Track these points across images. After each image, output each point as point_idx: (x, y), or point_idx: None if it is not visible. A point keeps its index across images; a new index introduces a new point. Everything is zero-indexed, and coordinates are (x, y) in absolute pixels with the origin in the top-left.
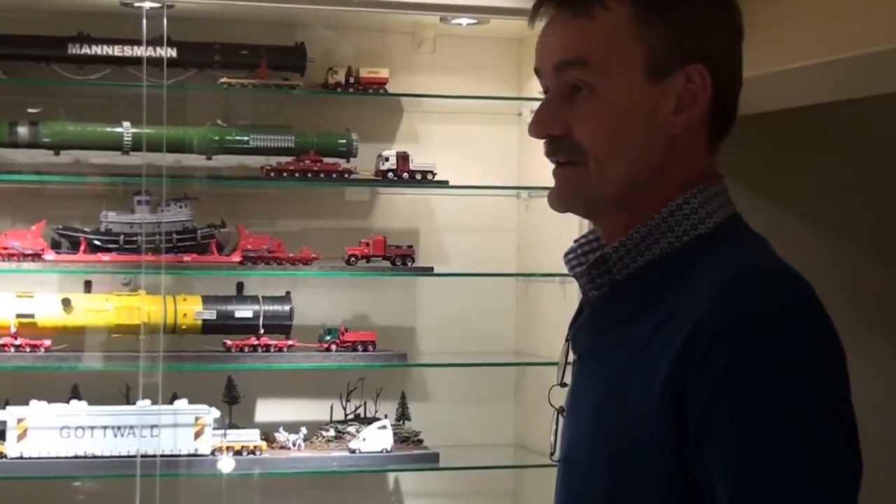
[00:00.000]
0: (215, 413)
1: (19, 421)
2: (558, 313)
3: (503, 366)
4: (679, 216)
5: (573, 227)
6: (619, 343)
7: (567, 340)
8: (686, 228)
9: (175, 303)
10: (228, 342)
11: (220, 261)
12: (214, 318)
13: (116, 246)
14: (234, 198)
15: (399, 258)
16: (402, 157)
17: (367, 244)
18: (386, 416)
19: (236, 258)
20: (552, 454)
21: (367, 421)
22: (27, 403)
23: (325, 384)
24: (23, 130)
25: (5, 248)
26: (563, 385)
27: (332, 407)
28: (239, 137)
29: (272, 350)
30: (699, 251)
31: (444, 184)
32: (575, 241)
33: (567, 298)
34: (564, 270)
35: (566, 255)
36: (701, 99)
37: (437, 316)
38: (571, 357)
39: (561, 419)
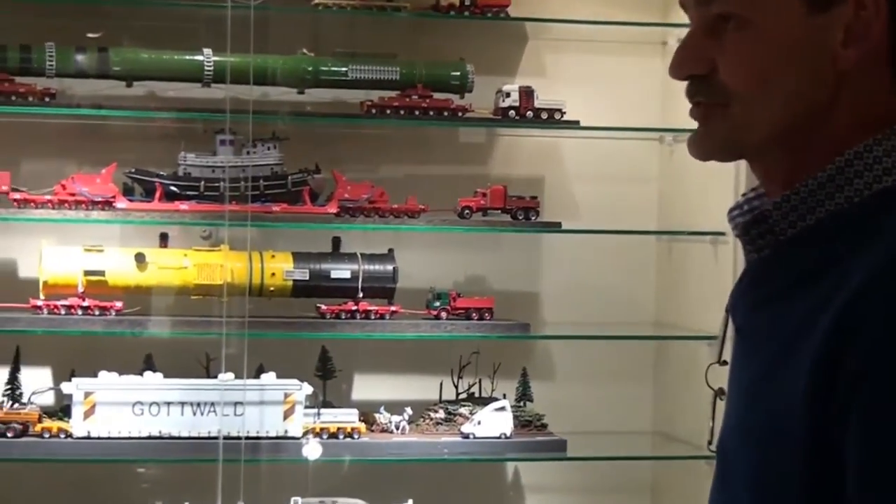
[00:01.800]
0: (307, 389)
1: (87, 395)
2: (708, 279)
3: (641, 339)
4: (859, 166)
5: (727, 176)
6: (778, 316)
7: (727, 311)
8: (868, 181)
9: (262, 260)
10: (323, 307)
11: (313, 212)
12: (307, 278)
13: (196, 193)
14: (329, 139)
15: (521, 211)
16: (526, 93)
17: (484, 195)
18: (504, 397)
19: (332, 209)
20: (709, 443)
21: (483, 401)
22: (95, 375)
23: (434, 358)
24: (90, 58)
25: (72, 195)
26: (722, 363)
27: (441, 384)
28: (335, 68)
29: (372, 317)
30: (882, 208)
31: (574, 124)
32: (743, 195)
33: (719, 261)
34: (715, 227)
35: (730, 211)
36: (875, 28)
37: (565, 280)
38: (732, 330)
39: (720, 403)
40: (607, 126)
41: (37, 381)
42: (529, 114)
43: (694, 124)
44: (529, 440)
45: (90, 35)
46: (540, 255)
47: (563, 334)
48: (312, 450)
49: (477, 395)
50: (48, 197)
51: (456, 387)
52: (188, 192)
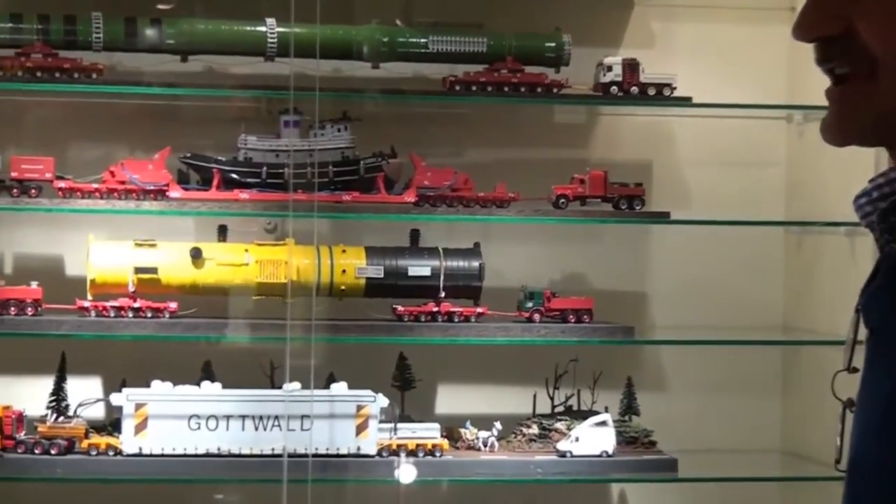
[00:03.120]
0: (383, 401)
1: (138, 407)
2: (844, 275)
3: (767, 344)
4: None
5: (866, 158)
6: None
7: (857, 311)
8: None
9: (332, 256)
10: (400, 308)
11: (389, 201)
12: (381, 276)
13: (258, 181)
14: (407, 119)
15: (624, 200)
16: (631, 67)
17: (582, 181)
18: (606, 410)
19: (410, 198)
20: (837, 461)
21: (582, 415)
22: (148, 385)
23: (526, 365)
24: (141, 30)
25: (121, 183)
26: (851, 370)
27: (534, 396)
28: (414, 40)
29: (457, 319)
30: None
31: (685, 101)
32: (870, 181)
33: (857, 255)
34: (852, 217)
35: (857, 198)
36: None
37: (675, 277)
38: (864, 333)
39: (849, 415)
40: (725, 103)
41: (84, 392)
42: (634, 90)
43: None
44: (635, 459)
45: (143, 5)
46: (646, 250)
47: (674, 339)
48: (406, 472)
49: (575, 408)
50: (95, 185)
51: (551, 399)
52: (249, 180)
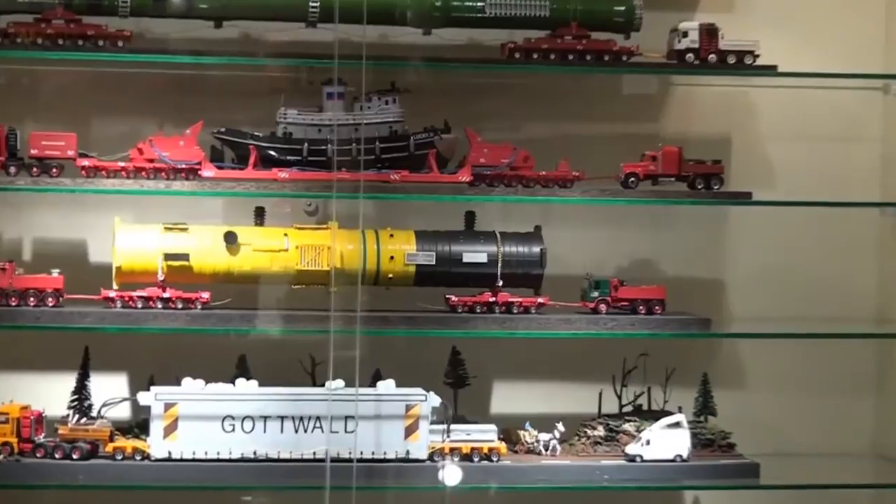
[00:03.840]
0: (434, 400)
1: (167, 407)
2: None
3: (859, 337)
4: None
5: None
6: None
7: None
8: None
9: (378, 241)
10: (453, 298)
11: (441, 181)
12: (433, 263)
13: (299, 158)
14: (461, 90)
15: (701, 178)
16: (709, 32)
17: (654, 158)
18: (680, 410)
19: (465, 177)
20: None
21: (653, 416)
22: (178, 383)
23: (591, 360)
24: None
25: (150, 161)
26: None
27: (600, 394)
28: (470, 3)
29: (515, 311)
30: None
31: (769, 70)
32: None
33: None
34: None
35: None
36: None
37: (756, 264)
38: None
39: None
40: (813, 72)
41: (109, 390)
42: (712, 57)
43: None
44: (712, 464)
45: None
46: (724, 233)
47: (756, 332)
48: (451, 474)
49: (645, 407)
50: (122, 164)
51: (619, 397)
52: (289, 157)
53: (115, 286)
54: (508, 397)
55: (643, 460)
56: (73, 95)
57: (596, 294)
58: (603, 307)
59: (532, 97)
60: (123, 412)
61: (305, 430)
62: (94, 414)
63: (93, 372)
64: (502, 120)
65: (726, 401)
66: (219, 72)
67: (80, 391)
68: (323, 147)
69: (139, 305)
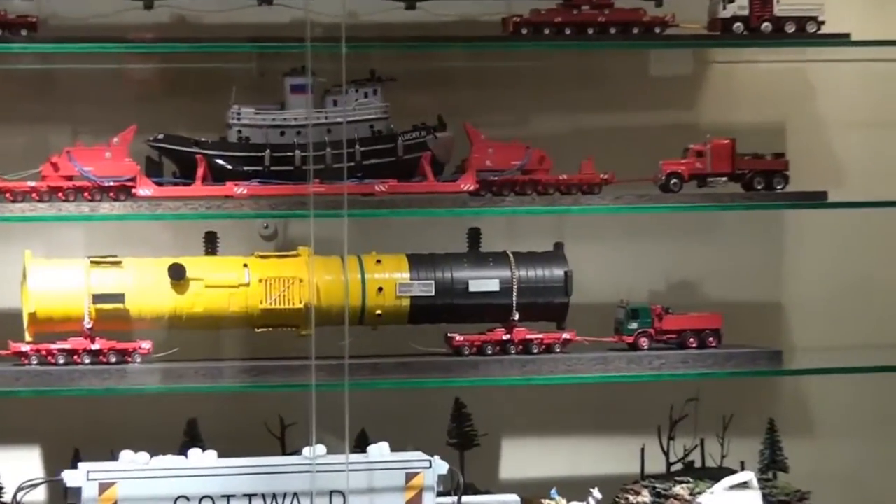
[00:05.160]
0: (441, 466)
1: (103, 489)
2: None
3: None
4: None
5: None
6: None
7: None
8: None
9: (362, 268)
10: (458, 337)
11: (439, 190)
12: (431, 294)
13: (259, 168)
14: (457, 77)
15: (759, 177)
16: None
17: (700, 153)
18: (743, 466)
19: (467, 185)
20: None
21: (709, 474)
22: (114, 457)
23: (630, 409)
24: None
25: (68, 179)
26: None
27: (642, 450)
28: None
29: (535, 350)
30: None
31: (840, 39)
32: None
33: None
34: None
35: None
36: None
37: (825, 280)
38: None
39: None
40: (893, 39)
41: (23, 470)
42: (766, 26)
43: None
44: None
45: None
46: (787, 243)
47: (840, 367)
48: None
49: (699, 464)
50: (31, 183)
51: (666, 453)
52: (246, 168)
53: (27, 337)
54: (528, 458)
55: None
56: None
57: (635, 325)
58: (644, 341)
59: (545, 83)
60: (41, 496)
61: None
62: (6, 501)
63: (1, 447)
64: (509, 113)
65: (797, 452)
66: (151, 64)
67: None
68: (288, 153)
69: (60, 361)
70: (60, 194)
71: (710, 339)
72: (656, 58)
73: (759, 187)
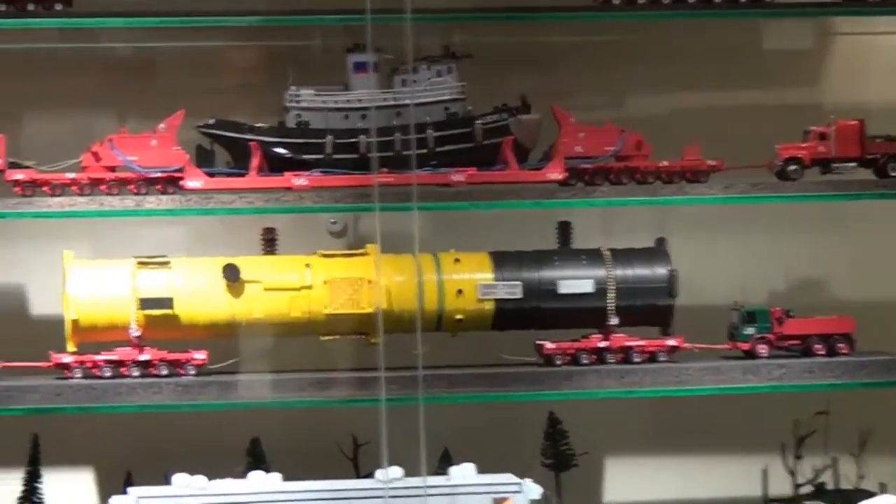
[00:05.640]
0: (533, 490)
1: None
2: None
3: None
4: None
5: None
6: None
7: None
8: None
9: (439, 267)
10: (548, 345)
11: (523, 179)
12: (518, 296)
13: (320, 157)
14: (541, 53)
15: (893, 162)
16: None
17: (823, 136)
18: (883, 489)
19: (555, 173)
20: None
21: (843, 497)
22: (167, 480)
23: (746, 423)
24: None
25: (110, 170)
26: None
27: (764, 471)
28: None
29: (637, 359)
30: None
31: None
32: None
33: None
34: None
35: None
36: None
37: None
38: None
39: None
40: None
41: (68, 493)
42: None
43: None
44: None
45: None
46: None
47: None
48: None
49: (831, 486)
50: (71, 175)
51: (793, 474)
52: (306, 156)
53: (69, 347)
54: (630, 479)
55: None
56: None
57: (751, 331)
58: (763, 349)
59: (640, 59)
60: None
61: None
62: None
63: (45, 468)
64: (601, 93)
65: None
66: (201, 42)
67: (30, 496)
68: (353, 139)
69: (107, 373)
70: (103, 187)
71: (841, 345)
72: (772, 29)
73: (893, 174)
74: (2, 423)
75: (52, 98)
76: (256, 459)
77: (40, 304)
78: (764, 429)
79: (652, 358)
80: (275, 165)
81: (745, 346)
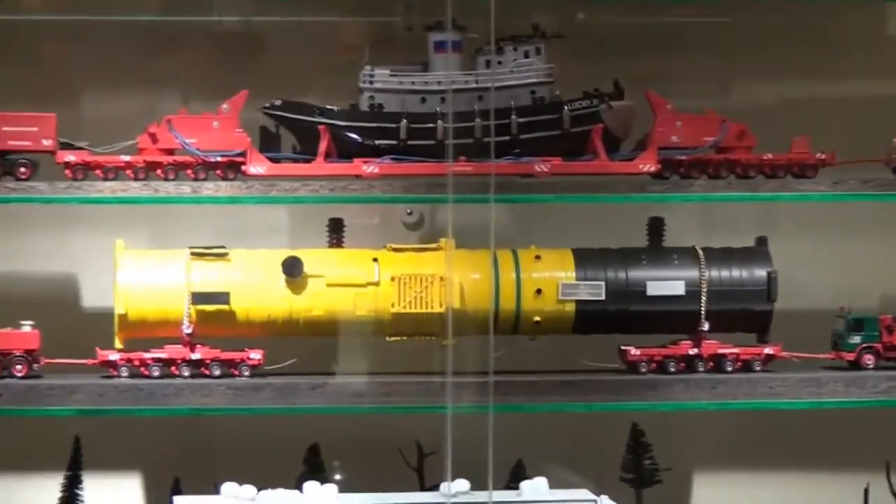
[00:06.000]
0: None
1: None
2: None
3: None
4: None
5: None
6: None
7: None
8: None
9: (517, 266)
10: (633, 351)
11: (613, 171)
12: (602, 297)
13: (393, 143)
14: (637, 35)
15: None
16: None
17: None
18: None
19: (648, 164)
20: None
21: None
22: (216, 489)
23: (848, 439)
24: None
25: (168, 153)
26: None
27: (866, 490)
28: None
29: (730, 368)
30: None
31: None
32: None
33: None
34: None
35: None
36: None
37: None
38: None
39: None
40: None
41: (111, 499)
42: None
43: None
44: None
45: None
46: None
47: None
48: None
49: None
50: (126, 158)
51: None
52: (379, 142)
53: (117, 344)
54: (718, 498)
55: None
56: (49, 57)
57: (857, 339)
58: (869, 359)
59: (745, 43)
60: None
61: None
62: None
63: (87, 472)
64: (701, 78)
65: None
66: (267, 17)
67: (70, 502)
68: (430, 125)
69: (155, 373)
70: (159, 171)
71: None
72: (890, 11)
73: None
74: (42, 424)
75: (105, 75)
76: (314, 468)
77: (89, 297)
78: (867, 445)
79: (746, 367)
80: (344, 151)
81: (850, 357)
